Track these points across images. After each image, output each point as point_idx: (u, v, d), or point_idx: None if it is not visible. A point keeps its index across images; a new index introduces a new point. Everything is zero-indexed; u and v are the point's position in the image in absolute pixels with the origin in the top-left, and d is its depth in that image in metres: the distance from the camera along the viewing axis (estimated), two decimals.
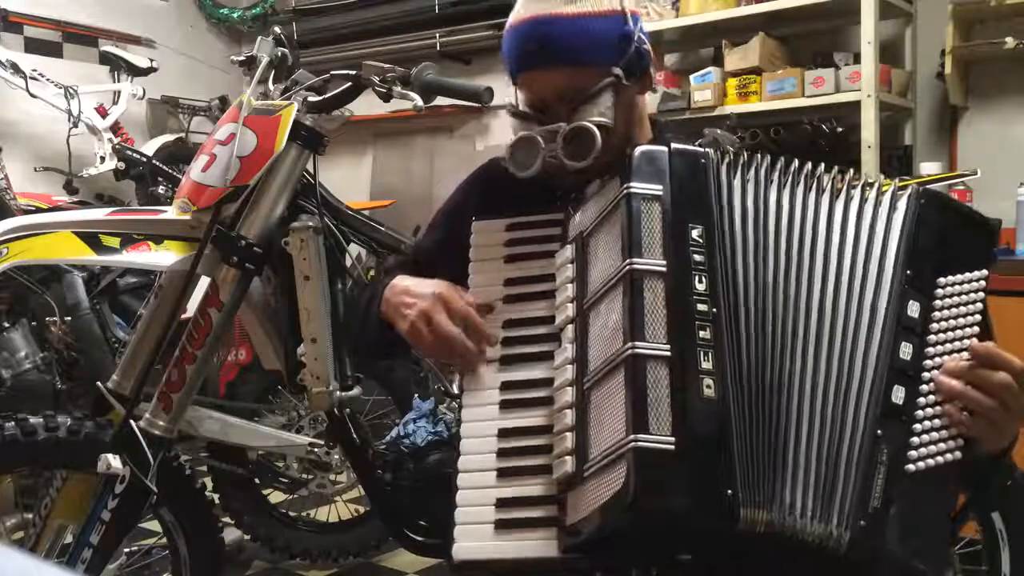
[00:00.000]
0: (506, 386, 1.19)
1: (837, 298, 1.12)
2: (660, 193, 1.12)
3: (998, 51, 2.95)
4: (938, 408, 1.08)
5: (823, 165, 1.18)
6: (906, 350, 1.10)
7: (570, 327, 1.16)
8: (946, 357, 1.10)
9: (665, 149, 1.15)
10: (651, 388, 1.03)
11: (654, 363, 1.04)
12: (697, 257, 1.09)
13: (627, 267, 1.09)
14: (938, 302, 1.12)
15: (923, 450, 1.07)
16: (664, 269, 1.08)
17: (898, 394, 1.08)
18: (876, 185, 1.18)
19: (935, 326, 1.11)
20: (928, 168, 3.03)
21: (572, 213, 1.24)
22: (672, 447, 1.00)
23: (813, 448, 1.07)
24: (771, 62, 3.27)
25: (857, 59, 3.11)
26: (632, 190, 1.12)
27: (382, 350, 1.44)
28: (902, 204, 1.16)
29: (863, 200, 1.17)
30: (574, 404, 1.11)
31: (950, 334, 1.11)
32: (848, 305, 1.12)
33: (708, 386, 1.04)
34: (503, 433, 1.16)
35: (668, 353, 1.04)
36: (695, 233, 1.10)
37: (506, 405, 1.17)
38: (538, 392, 1.17)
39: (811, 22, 3.35)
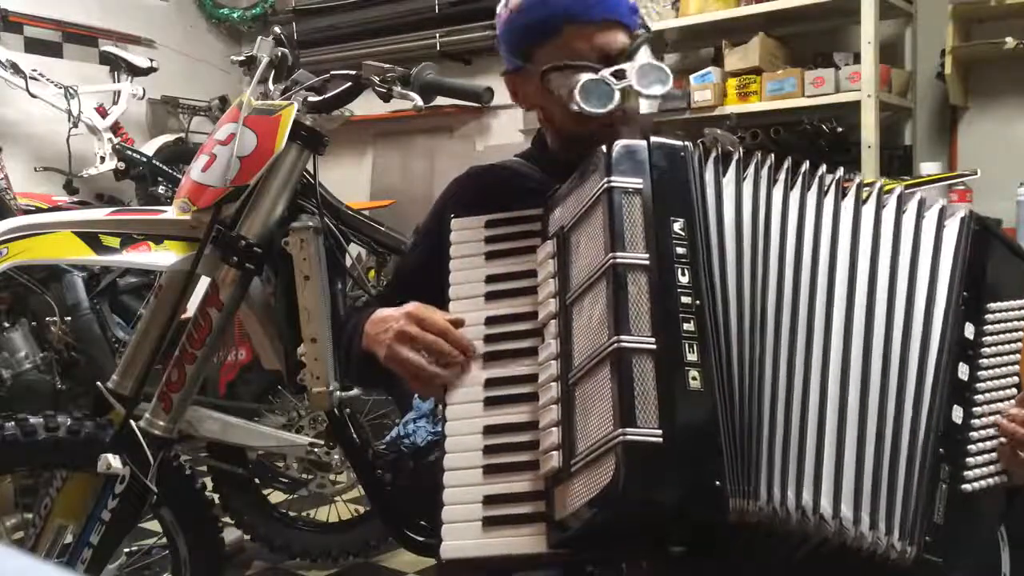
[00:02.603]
0: (490, 383, 1.18)
1: (873, 306, 1.12)
2: (641, 186, 1.12)
3: (998, 51, 2.95)
4: (991, 431, 1.11)
5: (841, 170, 1.18)
6: (963, 370, 1.12)
7: (553, 322, 1.15)
8: (996, 382, 1.13)
9: (644, 143, 1.16)
10: (637, 381, 1.02)
11: (640, 356, 1.04)
12: (679, 250, 1.09)
13: (610, 261, 1.08)
14: (988, 327, 1.14)
15: (977, 471, 1.09)
16: (647, 262, 1.08)
17: (956, 413, 1.10)
18: (918, 198, 1.18)
19: (986, 351, 1.14)
20: (928, 168, 3.03)
21: (551, 209, 1.24)
22: (660, 440, 1.00)
23: (848, 453, 1.07)
24: (771, 62, 3.27)
25: (857, 59, 3.11)
26: (613, 184, 1.12)
27: (373, 383, 1.41)
28: (953, 224, 1.17)
29: (900, 211, 1.17)
30: (559, 399, 1.10)
31: (999, 359, 1.14)
32: (890, 316, 1.12)
33: (694, 378, 1.03)
34: (488, 430, 1.15)
35: (653, 346, 1.04)
36: (677, 226, 1.10)
37: (490, 402, 1.17)
38: (523, 388, 1.16)
39: (811, 22, 3.35)
